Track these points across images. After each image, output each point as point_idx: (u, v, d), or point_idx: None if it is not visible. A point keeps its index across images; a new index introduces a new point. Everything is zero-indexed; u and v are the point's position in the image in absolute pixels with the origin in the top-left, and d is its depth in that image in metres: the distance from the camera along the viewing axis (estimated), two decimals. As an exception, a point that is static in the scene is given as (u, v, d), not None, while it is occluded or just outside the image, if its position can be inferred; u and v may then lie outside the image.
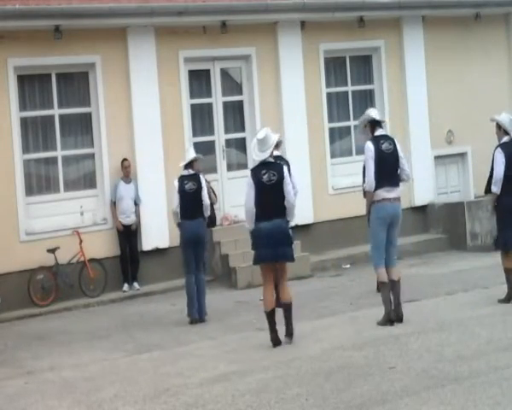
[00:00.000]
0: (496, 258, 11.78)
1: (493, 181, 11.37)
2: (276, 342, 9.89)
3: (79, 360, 10.37)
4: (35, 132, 15.21)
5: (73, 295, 14.81)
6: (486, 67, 19.23)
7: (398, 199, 10.57)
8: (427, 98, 18.40)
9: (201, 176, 12.58)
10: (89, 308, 14.47)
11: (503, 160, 11.29)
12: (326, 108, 17.50)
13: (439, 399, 7.15)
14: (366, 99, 18.23)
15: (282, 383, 8.15)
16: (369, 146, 10.50)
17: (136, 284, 15.33)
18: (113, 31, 15.36)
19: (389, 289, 10.51)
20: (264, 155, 9.92)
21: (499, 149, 11.40)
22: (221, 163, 16.62)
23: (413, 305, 11.59)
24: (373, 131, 10.63)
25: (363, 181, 10.73)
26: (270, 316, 9.98)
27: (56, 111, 15.26)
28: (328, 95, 17.66)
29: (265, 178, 9.84)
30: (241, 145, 16.95)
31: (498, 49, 19.57)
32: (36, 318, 13.96)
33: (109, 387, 8.73)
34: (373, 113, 10.79)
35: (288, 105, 16.85)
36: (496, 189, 11.34)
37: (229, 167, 16.75)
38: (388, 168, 10.47)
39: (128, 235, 15.32)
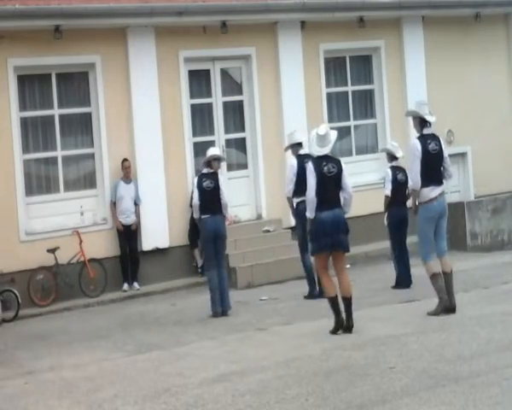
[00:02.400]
0: (496, 258, 11.78)
1: None
2: (340, 328, 10.03)
3: (79, 360, 10.35)
4: (35, 132, 15.21)
5: (73, 295, 14.81)
6: (486, 67, 19.24)
7: (442, 194, 10.72)
8: (427, 98, 18.33)
9: (220, 175, 12.84)
10: (89, 308, 14.47)
11: None
12: (326, 108, 17.51)
13: (439, 399, 7.14)
14: (366, 99, 18.25)
15: (282, 383, 8.14)
16: (417, 146, 10.61)
17: (136, 284, 15.34)
18: (113, 31, 15.37)
19: (441, 279, 10.58)
20: (325, 151, 10.19)
21: None
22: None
23: (413, 305, 11.58)
24: (422, 127, 10.73)
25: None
26: (334, 301, 10.13)
27: (56, 111, 15.26)
28: (328, 95, 17.68)
29: (326, 169, 10.09)
30: (241, 145, 16.96)
31: (498, 49, 19.58)
32: (36, 318, 13.95)
33: (109, 387, 8.72)
34: (425, 110, 10.79)
35: (288, 105, 16.86)
36: None
37: (229, 167, 16.74)
38: (433, 168, 10.62)
39: (128, 235, 15.32)
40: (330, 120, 17.61)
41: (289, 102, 16.86)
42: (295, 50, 16.99)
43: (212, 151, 12.82)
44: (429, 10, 18.29)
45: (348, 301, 10.14)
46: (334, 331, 10.08)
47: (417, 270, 12.31)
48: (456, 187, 19.27)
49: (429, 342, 9.25)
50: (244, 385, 8.17)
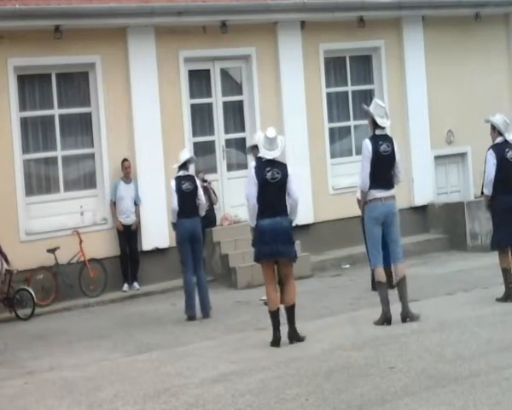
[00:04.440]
0: (495, 258, 11.78)
1: (484, 183, 11.38)
2: (277, 343, 9.86)
3: (79, 360, 10.36)
4: (35, 132, 15.21)
5: (73, 295, 14.81)
6: (486, 67, 19.24)
7: (391, 197, 10.44)
8: (427, 98, 18.41)
9: (196, 177, 13.05)
10: (89, 308, 14.47)
11: (495, 161, 11.27)
12: (326, 108, 17.52)
13: (439, 399, 7.14)
14: (366, 99, 18.20)
15: (282, 383, 8.14)
16: (368, 146, 10.38)
17: (136, 284, 15.34)
18: (113, 31, 15.37)
19: (387, 288, 10.54)
20: (275, 154, 9.88)
21: (491, 151, 11.40)
22: (221, 163, 16.63)
23: (413, 305, 11.55)
24: (374, 128, 10.54)
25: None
26: (274, 316, 9.93)
27: (56, 111, 15.27)
28: (328, 95, 17.67)
29: (269, 175, 9.77)
30: (241, 145, 16.94)
31: (498, 49, 19.58)
32: (36, 318, 13.95)
33: (109, 387, 8.72)
34: (380, 111, 10.50)
35: (288, 105, 16.86)
36: (487, 190, 11.34)
37: (229, 167, 16.75)
38: (383, 170, 10.38)
39: (128, 235, 15.32)
40: (330, 119, 17.64)
41: (289, 103, 16.86)
42: (295, 50, 16.99)
43: (185, 154, 12.86)
44: (429, 10, 18.29)
45: (290, 310, 9.91)
46: (272, 344, 9.85)
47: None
48: (456, 187, 19.28)
49: (429, 342, 9.25)
50: (244, 385, 8.18)
